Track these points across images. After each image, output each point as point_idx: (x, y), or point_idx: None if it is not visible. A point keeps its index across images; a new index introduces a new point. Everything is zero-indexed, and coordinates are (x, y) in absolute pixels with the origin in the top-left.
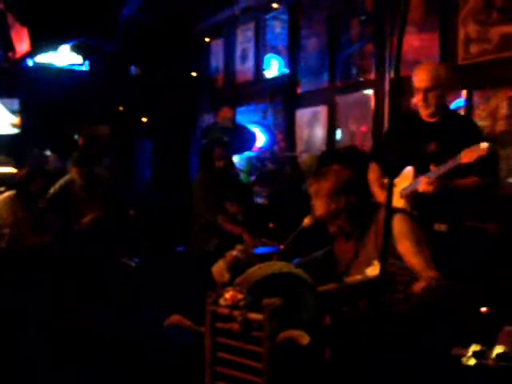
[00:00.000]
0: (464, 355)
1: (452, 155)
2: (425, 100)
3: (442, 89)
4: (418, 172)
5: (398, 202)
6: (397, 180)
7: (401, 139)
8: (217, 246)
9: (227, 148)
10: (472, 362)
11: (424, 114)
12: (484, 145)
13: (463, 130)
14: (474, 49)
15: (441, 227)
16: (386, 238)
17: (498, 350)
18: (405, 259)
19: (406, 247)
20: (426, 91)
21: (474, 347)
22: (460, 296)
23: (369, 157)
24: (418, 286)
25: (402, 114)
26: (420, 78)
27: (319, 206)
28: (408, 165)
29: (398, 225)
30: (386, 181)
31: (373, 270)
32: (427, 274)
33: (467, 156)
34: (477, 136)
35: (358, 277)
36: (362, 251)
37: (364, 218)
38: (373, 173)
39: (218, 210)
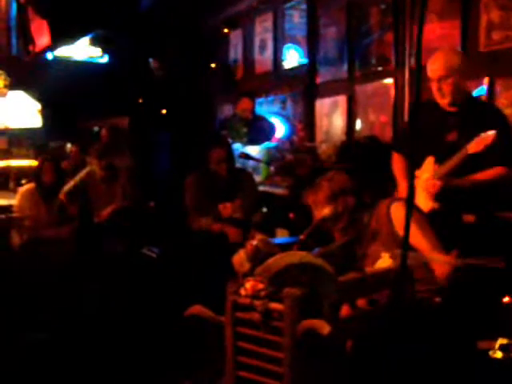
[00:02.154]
0: (491, 348)
1: None
2: (439, 89)
3: (456, 77)
4: (440, 162)
5: (421, 194)
6: (418, 171)
7: (422, 129)
8: None
9: (229, 148)
10: (499, 355)
11: (441, 103)
12: (490, 133)
13: (485, 118)
14: (496, 35)
15: (469, 218)
16: (406, 228)
17: None
18: (411, 244)
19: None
20: (439, 80)
21: (501, 341)
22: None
23: (392, 147)
24: (442, 271)
25: (423, 104)
26: (432, 68)
27: (320, 213)
28: (430, 155)
29: (397, 212)
30: (416, 173)
31: (382, 263)
32: (438, 256)
33: (475, 145)
34: (499, 123)
35: (379, 267)
36: (369, 248)
37: (364, 216)
38: (397, 163)
39: (202, 214)
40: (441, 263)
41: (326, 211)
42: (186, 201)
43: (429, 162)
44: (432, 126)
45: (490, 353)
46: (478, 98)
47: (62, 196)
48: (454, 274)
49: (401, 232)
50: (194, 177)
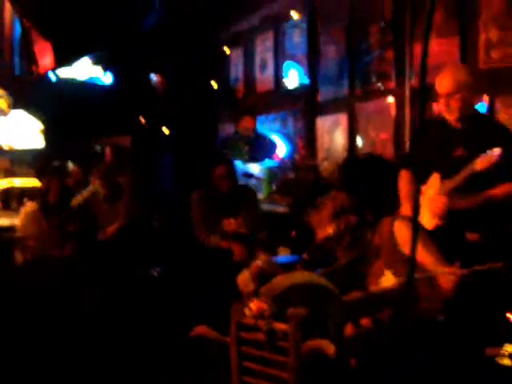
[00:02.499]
0: (498, 355)
1: None
2: (447, 105)
3: (464, 93)
4: (446, 178)
5: (425, 210)
6: (424, 187)
7: (429, 145)
8: None
9: (231, 165)
10: (507, 362)
11: (449, 118)
12: (496, 151)
13: (491, 134)
14: (495, 54)
15: (473, 237)
16: (413, 245)
17: None
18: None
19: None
20: (448, 96)
21: (509, 347)
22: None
23: (393, 164)
24: (447, 281)
25: (431, 120)
26: (441, 84)
27: (323, 232)
28: (436, 171)
29: (400, 230)
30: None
31: (386, 281)
32: (443, 269)
33: (481, 163)
34: (506, 139)
35: (382, 285)
36: (372, 266)
37: (367, 234)
38: (403, 180)
39: (210, 231)
40: (446, 275)
41: (330, 231)
42: (193, 216)
43: (435, 178)
44: (439, 142)
45: (497, 359)
46: (484, 114)
47: (65, 215)
48: (459, 283)
49: (404, 249)
50: (199, 193)
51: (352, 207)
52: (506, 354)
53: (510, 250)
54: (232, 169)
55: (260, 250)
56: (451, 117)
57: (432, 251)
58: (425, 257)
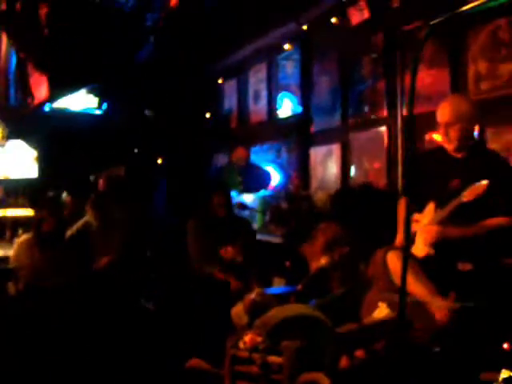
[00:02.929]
0: (494, 381)
1: None
2: (446, 134)
3: (464, 124)
4: (442, 208)
5: (419, 239)
6: (419, 216)
7: (428, 174)
8: None
9: (228, 194)
10: None
11: (448, 148)
12: (483, 182)
13: (489, 167)
14: (484, 85)
15: (465, 266)
16: (403, 274)
17: None
18: (408, 291)
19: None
20: (447, 126)
21: (505, 373)
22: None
23: (385, 193)
24: (441, 314)
25: (432, 150)
26: (441, 113)
27: (316, 264)
28: (433, 200)
29: (393, 261)
30: (414, 217)
31: (380, 312)
32: (436, 301)
33: (468, 194)
34: (503, 173)
35: (376, 317)
36: (366, 297)
37: (361, 265)
38: (402, 209)
39: (207, 259)
40: (440, 307)
41: (323, 262)
42: (189, 244)
43: (430, 207)
44: (437, 170)
45: None
46: (484, 146)
47: (59, 245)
48: (453, 316)
49: (397, 280)
50: (195, 221)
51: (344, 238)
52: (502, 380)
53: (501, 280)
54: (229, 196)
55: (254, 281)
56: (450, 146)
57: (425, 282)
58: (418, 288)
